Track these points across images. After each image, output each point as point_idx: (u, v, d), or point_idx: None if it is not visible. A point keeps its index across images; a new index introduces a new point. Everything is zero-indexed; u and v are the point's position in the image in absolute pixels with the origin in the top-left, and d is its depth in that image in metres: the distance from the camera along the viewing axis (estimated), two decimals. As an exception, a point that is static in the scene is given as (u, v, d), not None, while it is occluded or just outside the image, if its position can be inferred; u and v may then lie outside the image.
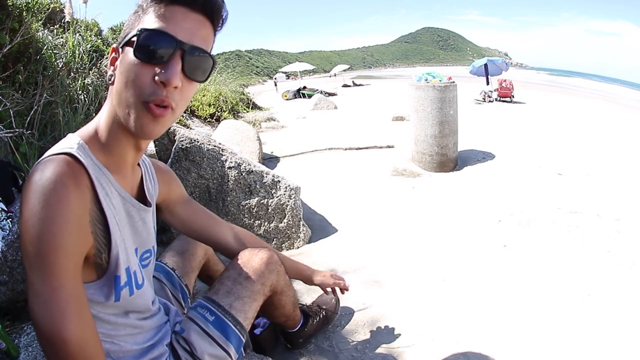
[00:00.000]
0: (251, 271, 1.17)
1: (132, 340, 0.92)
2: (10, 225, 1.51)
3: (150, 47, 0.72)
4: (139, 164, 0.97)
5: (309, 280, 1.49)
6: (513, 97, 12.68)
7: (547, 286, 1.93)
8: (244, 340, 1.10)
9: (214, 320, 1.07)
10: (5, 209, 1.55)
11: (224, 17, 0.82)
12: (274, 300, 1.29)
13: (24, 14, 4.07)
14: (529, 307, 1.77)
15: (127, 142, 0.82)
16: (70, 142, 0.77)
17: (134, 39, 0.73)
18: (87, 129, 0.82)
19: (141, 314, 0.95)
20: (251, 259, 1.19)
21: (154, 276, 1.29)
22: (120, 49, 0.77)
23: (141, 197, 0.96)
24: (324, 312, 1.64)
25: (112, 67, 0.79)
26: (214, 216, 1.26)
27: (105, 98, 0.85)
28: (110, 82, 0.78)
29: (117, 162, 0.83)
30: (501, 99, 12.58)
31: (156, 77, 0.72)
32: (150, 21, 0.74)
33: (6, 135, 2.72)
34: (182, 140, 2.35)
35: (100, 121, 0.82)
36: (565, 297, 1.84)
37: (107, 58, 0.72)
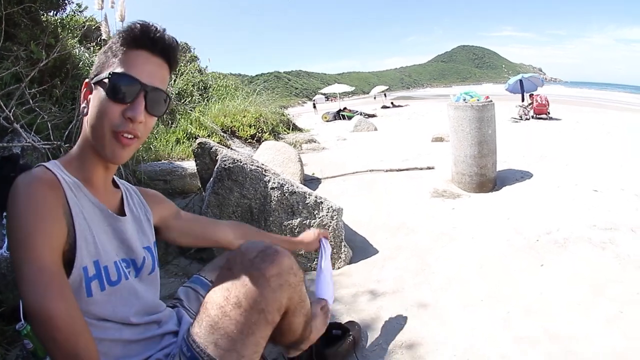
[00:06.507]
0: (242, 293, 0.85)
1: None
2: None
3: (119, 89, 0.86)
4: (118, 187, 1.06)
5: (297, 247, 1.50)
6: (549, 113, 12.14)
7: (582, 304, 1.87)
8: None
9: (190, 356, 0.86)
10: None
11: (177, 59, 0.98)
12: (282, 324, 0.97)
13: (59, 30, 4.27)
14: (566, 327, 1.71)
15: (97, 162, 0.93)
16: (47, 163, 0.89)
17: (106, 80, 0.86)
18: (66, 155, 0.95)
19: (120, 326, 0.91)
20: (245, 271, 0.87)
21: (190, 287, 1.30)
22: (92, 85, 0.89)
23: (121, 213, 1.01)
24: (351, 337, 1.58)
25: (85, 101, 0.91)
26: (209, 219, 1.30)
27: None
28: (84, 113, 0.91)
29: (88, 177, 0.92)
30: (537, 116, 12.10)
31: (124, 114, 0.86)
32: (119, 64, 0.87)
33: (44, 146, 2.83)
34: (224, 160, 2.41)
35: (76, 146, 0.94)
36: (600, 314, 1.77)
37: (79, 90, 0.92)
